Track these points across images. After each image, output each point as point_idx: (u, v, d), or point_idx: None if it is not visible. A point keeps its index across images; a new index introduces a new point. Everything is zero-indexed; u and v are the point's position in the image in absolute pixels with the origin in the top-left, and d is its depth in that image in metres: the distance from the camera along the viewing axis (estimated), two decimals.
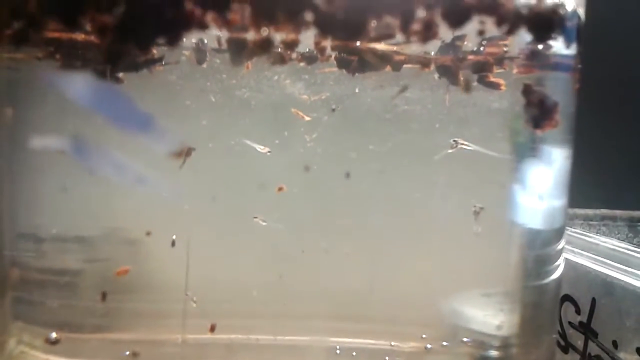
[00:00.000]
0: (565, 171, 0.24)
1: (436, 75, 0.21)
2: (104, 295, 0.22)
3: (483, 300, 0.23)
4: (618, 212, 0.32)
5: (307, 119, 0.21)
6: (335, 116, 0.22)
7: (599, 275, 0.27)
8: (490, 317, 0.23)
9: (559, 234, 0.24)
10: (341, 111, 0.21)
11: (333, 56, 0.21)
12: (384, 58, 0.21)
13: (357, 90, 0.21)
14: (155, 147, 0.21)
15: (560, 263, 0.24)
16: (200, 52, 0.21)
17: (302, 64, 0.21)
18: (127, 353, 0.22)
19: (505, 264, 0.23)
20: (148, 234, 0.22)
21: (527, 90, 0.22)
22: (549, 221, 0.23)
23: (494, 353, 0.23)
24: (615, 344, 0.26)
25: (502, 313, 0.23)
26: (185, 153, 0.21)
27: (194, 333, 0.22)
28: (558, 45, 0.22)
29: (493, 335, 0.23)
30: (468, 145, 0.21)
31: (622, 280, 0.25)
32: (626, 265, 0.26)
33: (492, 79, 0.21)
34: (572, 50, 0.23)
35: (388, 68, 0.21)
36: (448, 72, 0.21)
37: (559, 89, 0.23)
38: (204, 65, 0.21)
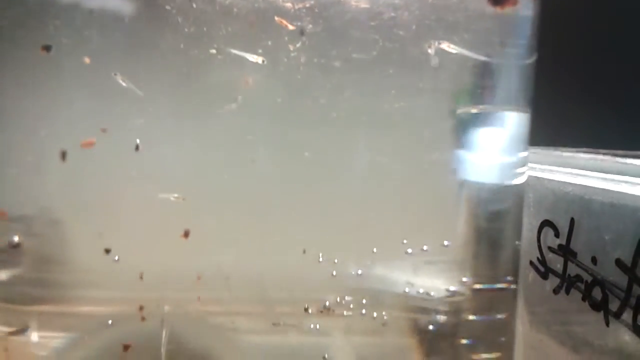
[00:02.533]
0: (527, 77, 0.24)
1: None
2: None
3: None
4: (602, 152, 0.33)
5: (291, 27, 0.21)
6: (319, 25, 0.21)
7: (577, 194, 0.27)
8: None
9: (519, 141, 0.25)
10: (326, 20, 0.21)
11: None
12: None
13: None
14: None
15: (524, 172, 0.26)
16: None
17: None
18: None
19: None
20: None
21: None
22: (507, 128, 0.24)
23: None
24: (594, 260, 0.26)
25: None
26: None
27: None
28: None
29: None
30: (453, 49, 0.21)
31: (601, 194, 0.26)
32: (605, 173, 0.26)
33: None
34: None
35: None
36: None
37: None
38: None
